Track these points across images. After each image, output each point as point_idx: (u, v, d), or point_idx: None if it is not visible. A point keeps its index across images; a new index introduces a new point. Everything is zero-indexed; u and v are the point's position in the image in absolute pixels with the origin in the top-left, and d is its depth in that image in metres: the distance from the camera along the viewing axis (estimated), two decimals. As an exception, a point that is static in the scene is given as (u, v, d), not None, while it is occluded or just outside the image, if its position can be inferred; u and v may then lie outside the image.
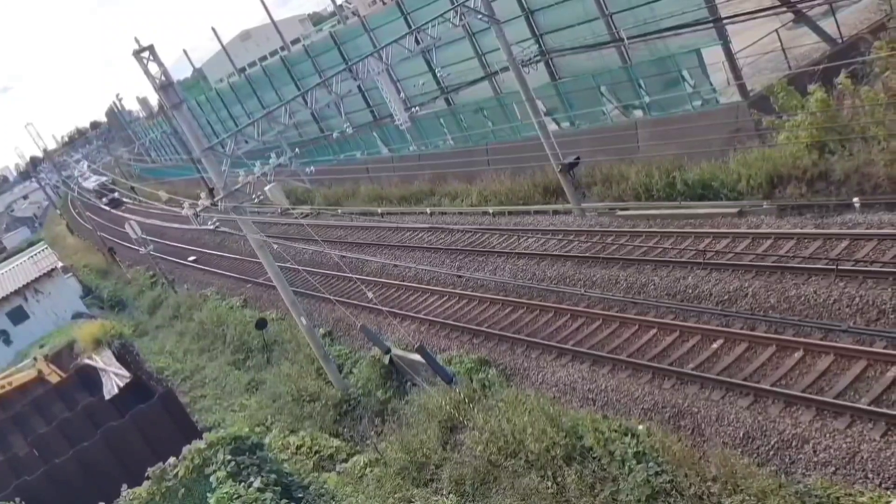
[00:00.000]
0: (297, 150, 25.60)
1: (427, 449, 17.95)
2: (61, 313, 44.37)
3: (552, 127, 29.76)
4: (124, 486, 17.54)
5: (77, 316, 44.43)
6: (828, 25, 24.94)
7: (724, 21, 23.62)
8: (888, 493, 11.83)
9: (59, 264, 49.26)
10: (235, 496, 16.28)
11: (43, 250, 53.02)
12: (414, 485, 17.58)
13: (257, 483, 16.72)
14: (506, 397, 17.65)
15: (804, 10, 24.65)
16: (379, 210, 38.03)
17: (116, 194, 79.13)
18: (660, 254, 21.22)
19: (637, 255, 21.73)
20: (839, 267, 16.80)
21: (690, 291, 19.25)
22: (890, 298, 15.41)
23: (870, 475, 12.31)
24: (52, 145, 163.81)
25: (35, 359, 34.76)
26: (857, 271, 16.52)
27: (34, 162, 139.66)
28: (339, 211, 41.32)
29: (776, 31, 24.66)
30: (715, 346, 16.92)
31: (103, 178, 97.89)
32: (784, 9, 24.22)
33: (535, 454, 15.29)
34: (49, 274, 45.73)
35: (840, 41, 24.38)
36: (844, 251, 17.56)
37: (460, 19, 26.33)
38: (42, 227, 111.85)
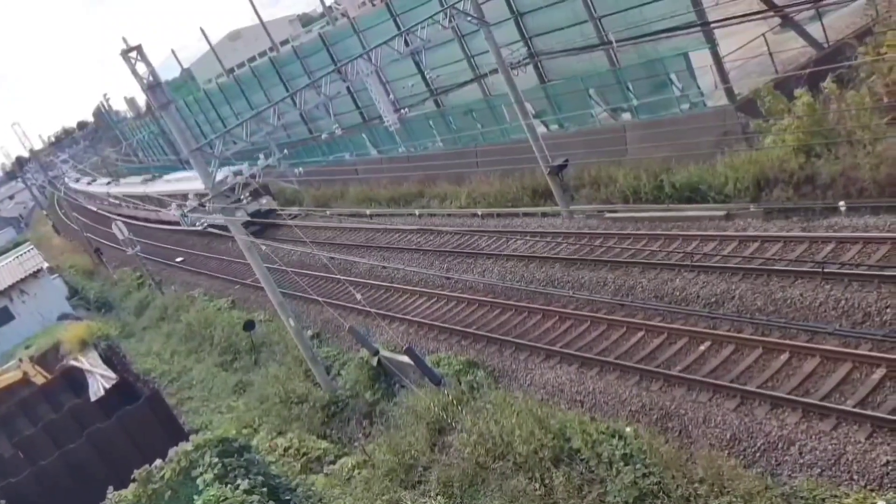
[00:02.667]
0: (285, 151, 25.47)
1: (415, 451, 17.92)
2: (47, 314, 44.01)
3: (541, 129, 29.81)
4: (110, 489, 17.42)
5: (63, 317, 44.10)
6: (814, 30, 25.12)
7: (712, 25, 23.76)
8: (873, 494, 11.92)
9: (45, 265, 48.87)
10: (222, 498, 16.18)
11: (29, 251, 52.56)
12: (402, 487, 17.55)
13: (244, 485, 16.64)
14: (494, 399, 17.66)
15: (791, 15, 24.82)
16: (367, 212, 37.99)
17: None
18: (647, 256, 21.30)
19: (625, 257, 21.80)
20: (825, 270, 16.91)
21: (678, 294, 19.33)
22: (875, 301, 15.53)
23: (855, 476, 12.40)
24: (38, 145, 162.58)
25: (20, 360, 34.51)
26: (843, 274, 16.63)
27: (20, 162, 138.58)
28: (328, 212, 41.23)
29: (763, 35, 24.82)
30: (702, 348, 16.99)
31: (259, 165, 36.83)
32: (771, 13, 24.37)
33: (523, 456, 15.30)
34: (35, 275, 45.36)
35: (826, 46, 24.56)
36: (830, 254, 17.69)
37: (450, 21, 26.36)
38: (28, 228, 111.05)
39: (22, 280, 44.67)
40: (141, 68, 19.92)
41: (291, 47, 54.05)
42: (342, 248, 35.08)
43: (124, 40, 19.85)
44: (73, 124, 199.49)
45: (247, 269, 29.91)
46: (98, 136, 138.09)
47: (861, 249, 17.33)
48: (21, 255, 51.56)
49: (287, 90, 44.05)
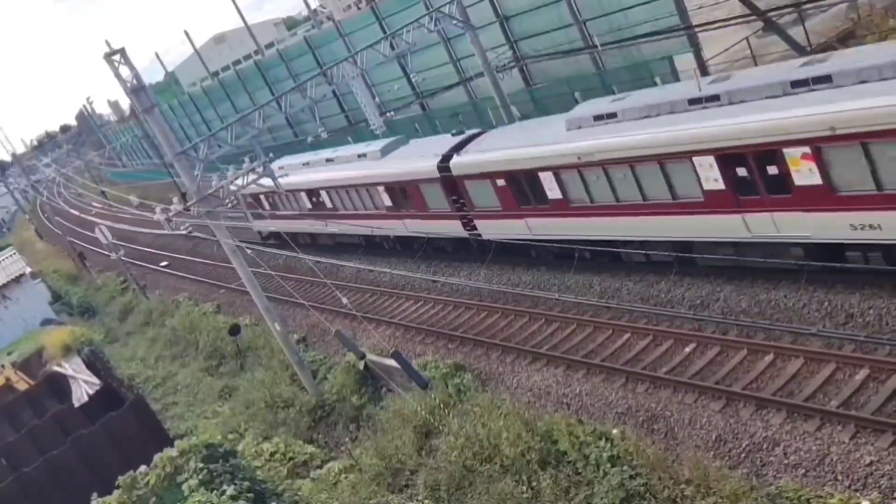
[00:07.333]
0: (271, 154, 25.46)
1: (402, 454, 17.90)
2: (30, 319, 43.57)
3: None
4: (94, 495, 17.29)
5: (46, 322, 43.68)
6: (797, 34, 25.32)
7: (696, 29, 23.93)
8: (857, 494, 12.00)
9: (28, 270, 48.44)
10: (208, 504, 16.12)
11: (11, 255, 52.10)
12: (389, 491, 17.53)
13: (230, 491, 16.56)
14: (481, 402, 17.67)
15: (774, 19, 25.02)
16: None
17: None
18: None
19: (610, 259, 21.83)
20: (809, 271, 17.02)
21: (663, 296, 19.41)
22: (858, 302, 15.65)
23: (839, 477, 12.49)
24: (20, 149, 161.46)
25: (3, 366, 34.15)
26: (827, 275, 16.73)
27: (2, 166, 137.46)
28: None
29: (746, 39, 25.01)
30: (688, 350, 17.07)
31: None
32: (754, 17, 24.56)
33: (510, 459, 15.32)
34: (17, 279, 44.93)
35: (809, 49, 24.77)
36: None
37: (435, 24, 26.45)
38: (10, 232, 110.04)
39: (4, 285, 44.23)
40: (124, 71, 19.82)
41: (276, 50, 53.97)
42: (328, 252, 34.98)
43: (107, 43, 19.76)
44: (56, 128, 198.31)
45: (232, 273, 29.75)
46: (81, 139, 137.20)
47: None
48: (3, 259, 51.08)
49: (272, 93, 43.98)
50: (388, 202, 27.81)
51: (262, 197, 35.91)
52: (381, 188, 27.67)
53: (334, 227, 30.17)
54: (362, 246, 32.12)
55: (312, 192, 32.22)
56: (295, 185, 32.15)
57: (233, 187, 21.58)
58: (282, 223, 34.95)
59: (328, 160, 31.57)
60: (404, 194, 26.71)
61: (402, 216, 27.44)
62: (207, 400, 28.09)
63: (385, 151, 28.22)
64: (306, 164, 33.28)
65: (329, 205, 31.49)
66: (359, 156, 29.56)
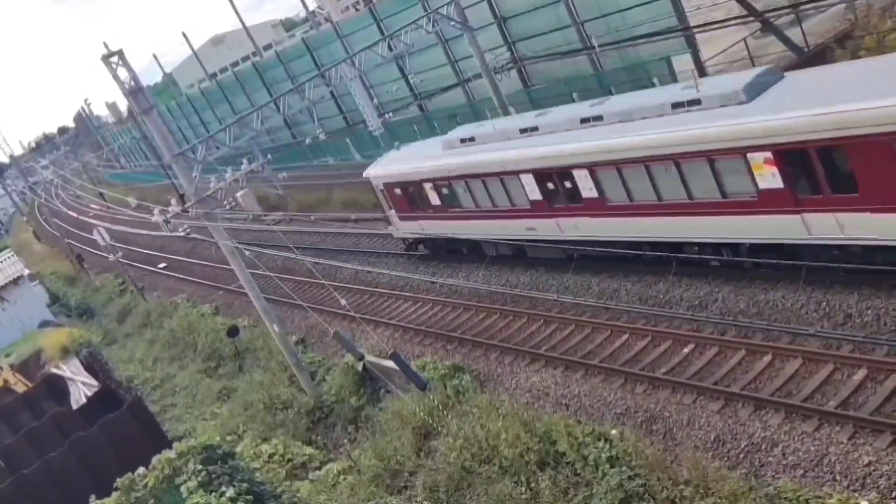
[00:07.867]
0: (269, 155, 25.51)
1: (401, 456, 17.90)
2: (28, 321, 43.63)
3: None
4: (92, 497, 17.27)
5: (44, 324, 43.73)
6: (794, 34, 25.38)
7: (694, 30, 23.98)
8: (856, 494, 12.01)
9: (26, 271, 48.51)
10: (206, 506, 16.10)
11: (9, 257, 52.11)
12: (388, 492, 17.53)
13: (229, 492, 16.54)
14: (479, 403, 17.67)
15: (771, 20, 25.07)
16: (352, 216, 37.89)
17: None
18: (631, 258, 21.33)
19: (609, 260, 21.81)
20: (807, 271, 17.02)
21: (661, 296, 19.42)
22: (856, 303, 15.66)
23: (838, 477, 12.49)
24: (18, 151, 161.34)
25: (1, 368, 34.14)
26: (825, 276, 16.74)
27: (0, 168, 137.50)
28: (312, 217, 41.09)
29: (744, 39, 25.08)
30: (686, 350, 17.08)
31: None
32: (752, 18, 24.61)
33: (508, 460, 15.32)
34: (15, 281, 45.03)
35: (806, 50, 24.83)
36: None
37: (433, 26, 26.49)
38: (8, 234, 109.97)
39: (2, 287, 44.27)
40: (122, 73, 19.83)
41: (275, 52, 54.09)
42: (326, 253, 34.99)
43: (105, 45, 19.81)
44: (54, 129, 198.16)
45: (230, 275, 29.75)
46: (79, 141, 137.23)
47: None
48: (1, 261, 51.09)
49: (270, 95, 44.00)
50: (772, 183, 15.66)
51: (425, 186, 24.74)
52: (759, 156, 15.55)
53: (607, 227, 19.88)
54: (643, 262, 20.32)
55: (550, 174, 20.44)
56: (503, 164, 21.59)
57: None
58: (466, 224, 24.40)
59: (587, 120, 19.51)
60: (835, 166, 14.73)
61: (815, 207, 15.37)
62: (206, 401, 28.08)
63: (753, 91, 16.23)
64: (531, 129, 21.22)
65: (591, 193, 19.61)
66: (675, 105, 17.50)
